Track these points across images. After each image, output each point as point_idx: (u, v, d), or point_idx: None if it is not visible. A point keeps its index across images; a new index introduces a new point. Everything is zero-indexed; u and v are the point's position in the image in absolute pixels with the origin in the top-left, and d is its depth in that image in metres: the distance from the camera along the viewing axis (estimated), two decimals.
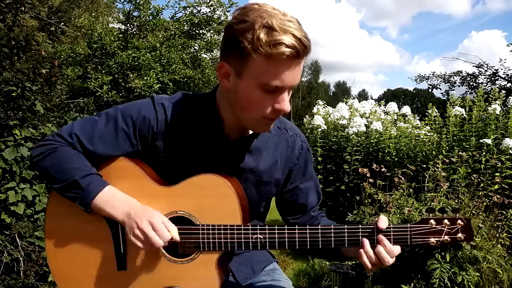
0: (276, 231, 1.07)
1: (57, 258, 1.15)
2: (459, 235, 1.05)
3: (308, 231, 1.07)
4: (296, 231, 1.07)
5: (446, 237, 1.05)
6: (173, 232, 1.07)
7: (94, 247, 1.13)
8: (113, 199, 1.07)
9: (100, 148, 1.11)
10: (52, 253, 1.15)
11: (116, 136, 1.11)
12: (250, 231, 1.07)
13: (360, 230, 1.06)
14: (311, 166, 1.29)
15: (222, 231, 1.08)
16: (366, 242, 1.05)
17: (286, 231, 1.07)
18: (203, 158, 1.15)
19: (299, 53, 0.94)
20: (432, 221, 1.06)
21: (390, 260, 1.03)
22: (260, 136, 1.18)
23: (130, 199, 1.09)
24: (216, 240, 1.08)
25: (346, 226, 1.07)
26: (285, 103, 1.01)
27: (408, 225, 1.06)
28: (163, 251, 1.11)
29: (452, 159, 3.02)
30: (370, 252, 1.04)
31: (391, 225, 1.07)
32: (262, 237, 1.07)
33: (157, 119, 1.13)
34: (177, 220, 1.10)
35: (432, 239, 1.05)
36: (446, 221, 1.06)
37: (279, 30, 0.92)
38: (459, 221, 1.05)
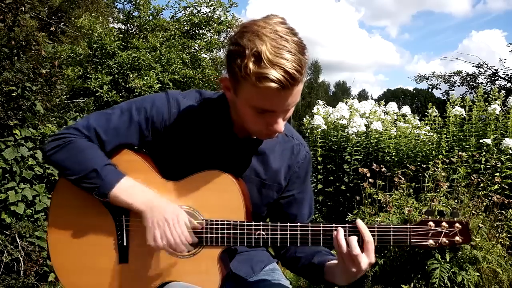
0: (279, 229, 1.08)
1: (59, 250, 1.15)
2: (457, 238, 1.06)
3: (310, 228, 1.08)
4: (298, 228, 1.08)
5: (444, 239, 1.07)
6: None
7: (97, 240, 1.13)
8: (132, 189, 1.08)
9: (115, 140, 1.13)
10: (54, 245, 1.15)
11: (130, 127, 1.13)
12: (253, 227, 1.08)
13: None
14: (309, 178, 1.30)
15: (225, 227, 1.09)
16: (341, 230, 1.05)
17: (288, 228, 1.08)
18: (210, 154, 1.16)
19: (285, 86, 0.92)
20: (431, 223, 1.07)
21: (357, 251, 1.01)
22: (267, 140, 1.19)
23: (148, 189, 1.09)
24: (219, 236, 1.09)
25: (347, 225, 1.08)
26: (277, 125, 1.02)
27: (408, 226, 1.07)
28: None
29: (452, 159, 3.02)
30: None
31: (391, 225, 1.08)
32: (264, 233, 1.08)
33: (170, 113, 1.14)
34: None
35: (431, 241, 1.07)
36: (444, 223, 1.07)
37: (268, 61, 0.90)
38: (457, 224, 1.07)
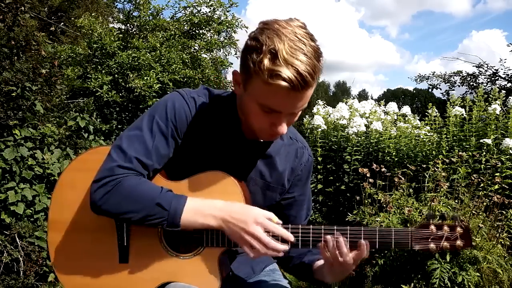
0: (300, 231, 1.08)
1: (59, 249, 1.15)
2: (458, 242, 1.07)
3: (311, 231, 1.07)
4: (300, 231, 1.07)
5: (446, 243, 1.07)
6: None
7: (97, 239, 1.13)
8: (199, 208, 1.03)
9: (159, 160, 1.09)
10: (54, 244, 1.15)
11: (168, 145, 1.10)
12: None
13: (362, 231, 1.07)
14: (309, 182, 1.30)
15: None
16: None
17: (290, 230, 1.07)
18: (217, 155, 1.15)
19: (296, 87, 0.92)
20: (432, 226, 1.07)
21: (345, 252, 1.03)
22: (274, 142, 1.19)
23: (215, 202, 1.05)
24: (220, 236, 1.08)
25: (348, 228, 1.08)
26: (281, 127, 1.02)
27: (409, 229, 1.07)
28: (166, 245, 1.11)
29: (452, 159, 3.02)
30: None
31: (393, 228, 1.08)
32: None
33: (190, 113, 1.12)
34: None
35: (432, 245, 1.07)
36: (446, 227, 1.07)
37: (283, 60, 0.91)
38: (459, 228, 1.07)
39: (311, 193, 1.34)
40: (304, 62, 0.92)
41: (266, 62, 0.92)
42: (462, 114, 3.60)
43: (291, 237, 1.05)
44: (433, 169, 2.82)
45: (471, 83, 11.60)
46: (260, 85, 0.95)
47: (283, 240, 1.05)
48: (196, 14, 6.66)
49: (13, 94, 2.67)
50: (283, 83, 0.91)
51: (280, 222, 1.07)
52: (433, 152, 3.64)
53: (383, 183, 2.87)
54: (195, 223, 1.02)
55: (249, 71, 0.97)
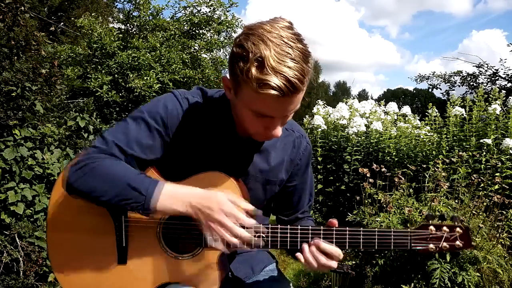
0: (279, 231, 1.08)
1: (57, 249, 1.14)
2: (457, 242, 1.07)
3: (310, 231, 1.07)
4: (299, 231, 1.08)
5: (445, 244, 1.07)
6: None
7: (96, 240, 1.12)
8: (175, 194, 1.02)
9: (142, 150, 1.08)
10: (52, 243, 1.14)
11: (152, 137, 1.09)
12: (253, 229, 1.07)
13: (361, 232, 1.07)
14: (310, 168, 1.31)
15: None
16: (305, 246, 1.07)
17: (288, 231, 1.07)
18: (214, 154, 1.15)
19: (285, 94, 0.91)
20: (431, 227, 1.07)
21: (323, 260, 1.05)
22: None
23: (192, 188, 1.03)
24: (219, 237, 1.08)
25: (348, 228, 1.08)
26: (275, 130, 1.02)
27: (409, 230, 1.08)
28: (165, 246, 1.11)
29: (452, 159, 3.02)
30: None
31: (392, 229, 1.08)
32: (264, 235, 1.07)
33: (182, 113, 1.12)
34: (181, 215, 1.10)
35: (431, 245, 1.07)
36: (445, 227, 1.07)
37: (270, 68, 0.89)
38: (458, 229, 1.07)
39: (313, 178, 1.34)
40: (293, 68, 0.90)
41: (254, 71, 0.90)
42: (462, 114, 3.60)
43: (251, 224, 1.01)
44: (433, 169, 2.82)
45: (471, 83, 11.62)
46: (250, 93, 0.94)
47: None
48: (196, 14, 6.68)
49: (13, 94, 2.67)
50: (273, 92, 0.90)
51: (260, 211, 1.05)
52: (433, 152, 3.64)
53: (383, 183, 2.87)
54: (169, 208, 1.01)
55: (237, 79, 0.96)
